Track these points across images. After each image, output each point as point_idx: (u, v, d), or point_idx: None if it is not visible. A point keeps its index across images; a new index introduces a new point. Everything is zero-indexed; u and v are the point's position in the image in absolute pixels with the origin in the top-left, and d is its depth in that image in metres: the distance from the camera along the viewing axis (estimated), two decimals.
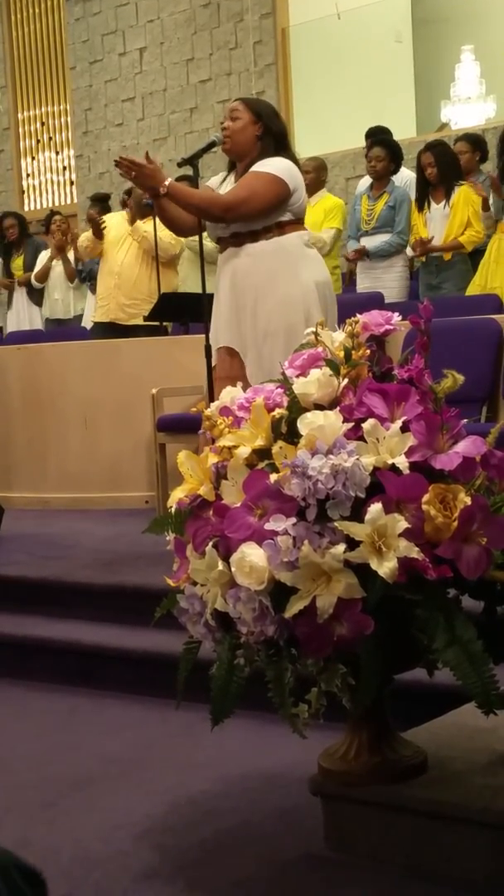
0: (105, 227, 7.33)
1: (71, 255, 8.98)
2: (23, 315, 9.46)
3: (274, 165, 4.13)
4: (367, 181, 7.58)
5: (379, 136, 7.63)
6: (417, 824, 2.38)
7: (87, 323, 8.57)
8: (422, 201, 6.99)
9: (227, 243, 4.24)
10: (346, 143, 9.64)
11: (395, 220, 7.18)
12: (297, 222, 4.23)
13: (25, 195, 13.17)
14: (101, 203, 9.03)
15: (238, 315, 4.17)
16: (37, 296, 9.41)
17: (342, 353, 2.42)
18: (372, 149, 7.36)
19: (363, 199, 7.38)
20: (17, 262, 9.50)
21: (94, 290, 8.65)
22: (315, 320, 3.81)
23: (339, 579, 2.16)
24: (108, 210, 8.77)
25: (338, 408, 2.31)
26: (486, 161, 7.40)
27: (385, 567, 2.14)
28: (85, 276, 8.81)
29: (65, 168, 12.80)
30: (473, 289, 6.61)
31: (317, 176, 7.61)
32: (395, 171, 7.35)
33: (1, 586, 4.48)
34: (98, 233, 7.31)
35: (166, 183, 4.10)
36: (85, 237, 7.54)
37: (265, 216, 4.12)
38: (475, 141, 7.49)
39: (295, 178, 4.17)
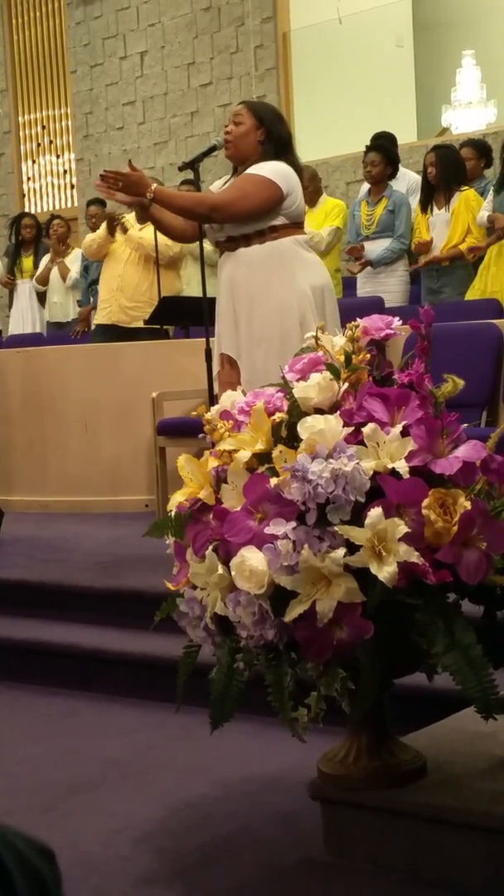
0: (118, 224, 7.24)
1: (71, 257, 9.01)
2: (27, 316, 9.47)
3: (267, 168, 4.12)
4: (367, 186, 7.58)
5: (375, 142, 7.62)
6: (417, 829, 2.38)
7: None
8: (426, 204, 6.99)
9: (224, 247, 4.24)
10: (347, 148, 9.64)
11: (395, 225, 7.19)
12: (294, 226, 4.19)
13: (26, 199, 13.18)
14: (101, 205, 9.04)
15: (234, 321, 4.16)
16: (44, 297, 9.45)
17: (342, 358, 2.42)
18: (367, 154, 7.37)
19: (362, 205, 7.39)
20: (27, 263, 9.51)
21: (83, 302, 8.70)
22: (310, 326, 3.83)
23: (339, 583, 2.16)
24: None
25: (338, 412, 2.31)
26: (490, 167, 7.41)
27: (385, 571, 2.14)
28: (86, 298, 8.79)
29: (65, 172, 12.81)
30: (473, 293, 6.62)
31: (314, 186, 7.60)
32: (393, 175, 7.35)
33: (0, 589, 4.48)
34: (112, 230, 7.24)
35: (153, 188, 4.10)
36: (95, 236, 7.49)
37: (256, 219, 4.10)
38: (480, 147, 7.50)
39: (289, 181, 4.13)
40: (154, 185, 4.12)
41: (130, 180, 4.10)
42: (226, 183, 4.32)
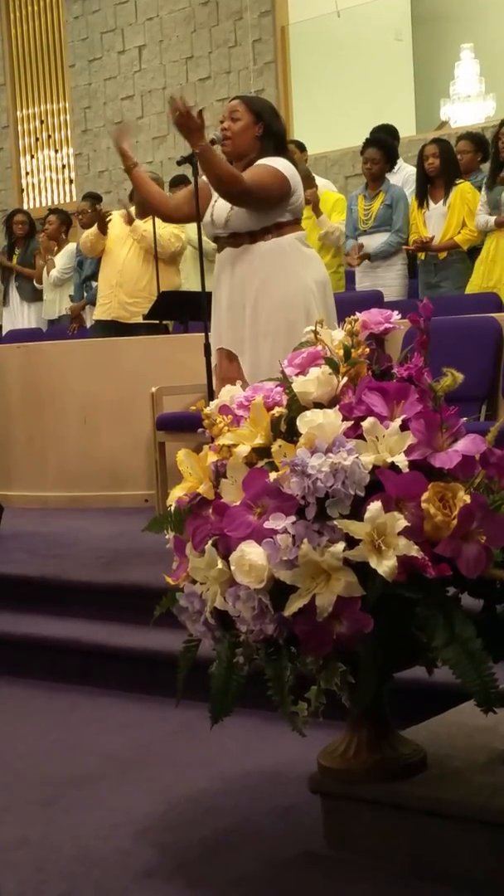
0: (111, 221, 7.29)
1: (62, 253, 9.01)
2: (17, 314, 9.46)
3: (278, 163, 4.14)
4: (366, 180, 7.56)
5: (374, 136, 7.60)
6: (417, 822, 2.38)
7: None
8: (422, 198, 6.98)
9: (225, 244, 4.24)
10: (346, 142, 9.63)
11: (393, 219, 7.17)
12: (296, 222, 4.24)
13: (24, 193, 13.16)
14: (94, 201, 9.02)
15: (237, 316, 4.17)
16: (28, 294, 9.40)
17: (342, 352, 2.42)
18: (366, 150, 7.35)
19: (359, 199, 7.37)
20: (13, 260, 9.51)
21: (76, 298, 8.68)
22: (315, 319, 3.83)
23: (339, 578, 2.16)
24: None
25: (337, 406, 2.31)
26: (486, 160, 7.39)
27: (384, 565, 2.14)
28: (79, 293, 8.77)
29: (64, 166, 12.79)
30: (472, 287, 6.61)
31: (308, 186, 7.58)
32: (391, 170, 7.35)
33: (0, 584, 4.48)
34: (103, 227, 7.26)
35: (203, 143, 4.04)
36: (88, 233, 7.50)
37: (265, 213, 4.12)
38: (478, 140, 7.48)
39: (295, 178, 4.18)
40: (205, 142, 4.06)
41: (191, 122, 4.05)
42: None
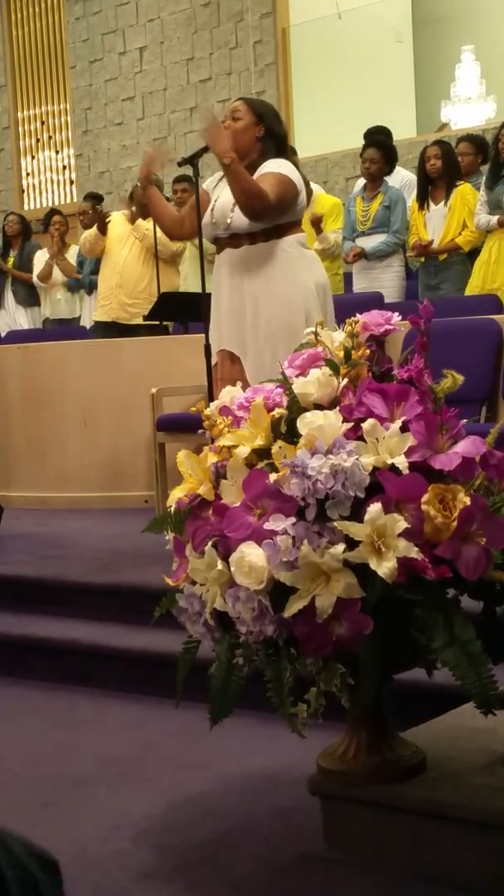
0: (110, 222, 7.31)
1: (70, 253, 8.99)
2: (13, 318, 9.44)
3: (287, 169, 4.13)
4: (362, 182, 7.57)
5: (373, 137, 7.60)
6: (416, 824, 2.38)
7: (84, 322, 8.57)
8: (423, 199, 6.98)
9: (225, 244, 4.23)
10: (346, 143, 9.63)
11: (391, 220, 7.17)
12: (296, 224, 4.24)
13: (25, 194, 13.17)
14: (95, 201, 9.02)
15: (239, 318, 4.16)
16: (23, 297, 9.36)
17: (342, 353, 2.42)
18: (366, 150, 7.36)
19: (357, 201, 7.37)
20: (9, 262, 9.49)
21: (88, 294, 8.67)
22: (315, 321, 3.83)
23: (339, 579, 2.16)
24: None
25: (337, 408, 2.31)
26: (487, 162, 7.40)
27: (384, 567, 2.14)
28: (88, 287, 8.75)
29: (65, 167, 12.80)
30: (472, 289, 6.61)
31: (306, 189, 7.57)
32: (389, 172, 7.35)
33: (0, 584, 4.47)
34: (103, 228, 7.28)
35: (233, 155, 4.01)
36: (88, 234, 7.51)
37: (275, 218, 4.11)
38: (478, 143, 7.49)
39: (300, 182, 4.19)
40: (234, 154, 4.02)
41: (222, 134, 4.03)
42: (219, 181, 4.30)
